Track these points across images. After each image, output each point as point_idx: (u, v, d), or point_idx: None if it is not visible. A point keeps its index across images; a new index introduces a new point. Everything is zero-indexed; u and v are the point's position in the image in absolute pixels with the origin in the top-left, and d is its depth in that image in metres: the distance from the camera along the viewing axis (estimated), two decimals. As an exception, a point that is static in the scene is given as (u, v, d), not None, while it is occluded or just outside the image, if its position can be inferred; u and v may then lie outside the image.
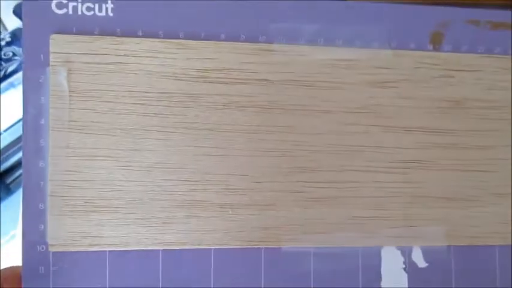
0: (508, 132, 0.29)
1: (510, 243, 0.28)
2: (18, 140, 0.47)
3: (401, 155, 0.28)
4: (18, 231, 0.46)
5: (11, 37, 0.49)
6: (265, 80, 0.26)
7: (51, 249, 0.25)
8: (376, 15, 0.28)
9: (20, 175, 0.44)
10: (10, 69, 0.48)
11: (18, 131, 0.46)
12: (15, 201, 0.48)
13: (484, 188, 0.28)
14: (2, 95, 0.46)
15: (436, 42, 0.28)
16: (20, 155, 0.47)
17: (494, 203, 0.28)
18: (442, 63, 0.28)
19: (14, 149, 0.47)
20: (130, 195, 0.25)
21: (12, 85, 0.48)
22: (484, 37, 0.29)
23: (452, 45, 0.28)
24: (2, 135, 0.46)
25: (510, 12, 0.29)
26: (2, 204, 0.47)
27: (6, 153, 0.47)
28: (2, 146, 0.46)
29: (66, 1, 0.25)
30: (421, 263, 0.28)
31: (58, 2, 0.25)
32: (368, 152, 0.27)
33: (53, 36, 0.25)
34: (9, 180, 0.49)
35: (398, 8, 0.29)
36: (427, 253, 0.28)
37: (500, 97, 0.28)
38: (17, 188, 0.49)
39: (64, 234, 0.25)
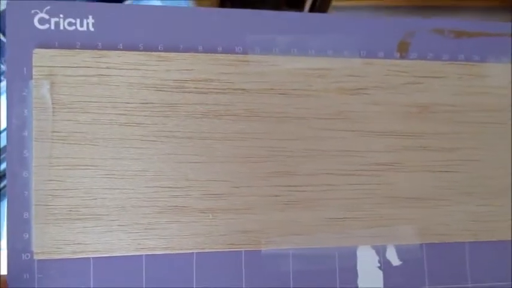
0: (474, 135, 0.30)
1: (479, 239, 0.30)
2: (4, 149, 0.47)
3: (373, 158, 0.29)
4: (4, 241, 0.46)
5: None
6: (242, 89, 0.28)
7: (36, 257, 0.26)
8: (347, 27, 0.30)
9: (5, 186, 0.44)
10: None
11: (4, 140, 0.46)
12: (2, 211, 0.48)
13: (452, 188, 0.30)
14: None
15: (403, 50, 0.30)
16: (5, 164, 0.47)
17: (463, 201, 0.30)
18: (409, 70, 0.29)
19: (3, 156, 0.47)
20: (113, 203, 0.26)
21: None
22: (448, 45, 0.30)
23: (418, 54, 0.30)
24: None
25: (471, 22, 0.31)
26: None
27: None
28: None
29: (48, 17, 0.26)
30: (395, 261, 0.29)
31: (40, 18, 0.26)
32: (341, 156, 0.29)
33: (36, 50, 0.26)
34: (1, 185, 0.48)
35: (367, 19, 0.30)
36: (400, 251, 0.29)
37: (465, 102, 0.30)
38: (3, 198, 0.48)
39: (48, 242, 0.26)
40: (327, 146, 0.28)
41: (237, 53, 0.28)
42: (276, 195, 0.28)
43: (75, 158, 0.26)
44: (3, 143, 0.46)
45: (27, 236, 0.26)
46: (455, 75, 0.30)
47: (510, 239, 0.30)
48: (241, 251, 0.28)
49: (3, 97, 0.45)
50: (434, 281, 0.29)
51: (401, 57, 0.30)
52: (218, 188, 0.27)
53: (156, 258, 0.27)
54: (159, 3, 0.42)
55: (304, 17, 0.29)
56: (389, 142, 0.29)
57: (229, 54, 0.28)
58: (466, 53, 0.31)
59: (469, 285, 0.30)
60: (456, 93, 0.30)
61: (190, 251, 0.27)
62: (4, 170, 0.47)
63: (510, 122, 0.30)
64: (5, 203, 0.47)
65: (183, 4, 0.35)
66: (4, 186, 0.48)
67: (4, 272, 0.26)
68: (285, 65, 0.28)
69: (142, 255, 0.27)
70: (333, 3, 0.65)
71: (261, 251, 0.28)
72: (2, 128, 0.47)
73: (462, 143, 0.30)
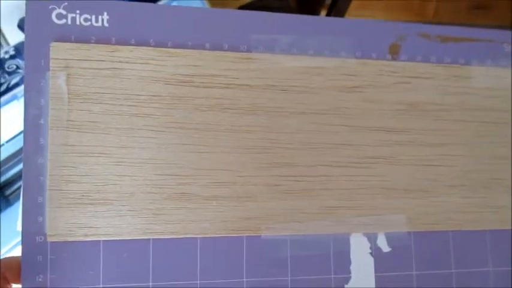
0: (459, 131, 0.33)
1: (463, 229, 0.32)
2: (18, 152, 0.47)
3: (367, 152, 0.31)
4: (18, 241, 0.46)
5: (14, 51, 0.50)
6: (246, 85, 0.30)
7: (50, 239, 0.27)
8: (343, 29, 0.32)
9: (19, 188, 0.45)
10: (13, 81, 0.49)
11: (19, 143, 0.47)
12: (15, 212, 0.48)
13: (439, 180, 0.32)
14: (6, 107, 0.47)
15: (394, 52, 0.32)
16: (19, 167, 0.47)
17: (448, 193, 0.32)
18: (400, 71, 0.32)
19: (14, 161, 0.47)
20: (123, 189, 0.28)
21: (15, 97, 0.48)
22: (435, 49, 0.33)
23: (408, 56, 0.32)
24: (2, 147, 0.46)
25: (455, 28, 0.33)
26: (1, 216, 0.47)
27: (6, 165, 0.47)
28: (2, 158, 0.46)
29: (65, 12, 0.28)
30: (385, 248, 0.31)
31: (58, 13, 0.28)
32: (337, 149, 0.31)
33: (53, 44, 0.27)
34: (8, 192, 0.49)
35: (362, 22, 0.32)
36: (390, 239, 0.31)
37: (450, 101, 0.33)
38: (16, 200, 0.49)
39: (61, 225, 0.27)
40: (324, 140, 0.30)
41: (242, 51, 0.30)
42: (276, 185, 0.30)
43: (88, 146, 0.28)
44: (3, 155, 0.47)
45: (41, 219, 0.27)
46: (442, 76, 0.32)
47: (491, 228, 0.32)
48: (243, 236, 0.29)
49: (7, 108, 0.47)
50: (421, 266, 0.31)
51: (393, 59, 0.32)
52: (222, 177, 0.29)
53: (162, 242, 0.28)
54: (174, 3, 0.44)
55: (304, 19, 0.31)
56: (381, 137, 0.31)
57: (234, 52, 0.30)
58: (451, 56, 0.33)
59: (453, 271, 0.32)
60: (443, 93, 0.32)
61: (195, 236, 0.29)
62: (5, 181, 0.48)
63: (488, 121, 0.33)
64: (11, 208, 0.48)
65: (198, 5, 0.37)
66: (7, 195, 0.49)
67: (18, 253, 0.27)
68: (286, 63, 0.30)
69: (150, 239, 0.28)
70: (347, 16, 0.67)
71: (261, 236, 0.30)
72: (2, 142, 0.47)
73: (448, 139, 0.32)
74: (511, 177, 0.33)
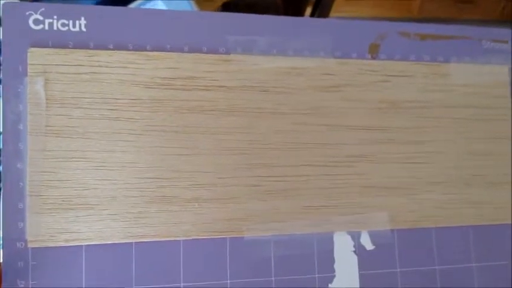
0: (439, 129, 0.33)
1: (445, 225, 0.32)
2: None
3: (347, 151, 0.31)
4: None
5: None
6: (225, 86, 0.30)
7: (30, 245, 0.27)
8: (322, 29, 0.32)
9: None
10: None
11: None
12: None
13: (420, 178, 0.32)
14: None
15: (373, 52, 0.32)
16: None
17: (430, 190, 0.32)
18: (379, 69, 0.32)
19: None
20: (104, 193, 0.28)
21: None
22: (414, 47, 0.33)
23: (387, 54, 0.33)
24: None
25: (434, 26, 0.33)
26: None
27: None
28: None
29: (42, 18, 0.28)
30: (369, 246, 0.31)
31: (35, 19, 0.28)
32: (318, 149, 0.31)
33: (31, 49, 0.27)
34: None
35: (341, 22, 0.33)
36: (373, 237, 0.32)
37: (429, 98, 0.33)
38: None
39: (42, 230, 0.27)
40: (305, 139, 0.31)
41: (220, 53, 0.30)
42: (258, 185, 0.30)
43: (68, 151, 0.28)
44: None
45: (21, 225, 0.27)
46: (420, 74, 0.33)
47: (472, 224, 0.33)
48: (226, 237, 0.29)
49: None
50: (405, 263, 0.32)
51: (372, 58, 0.32)
52: (203, 179, 0.29)
53: (145, 245, 0.28)
54: (159, 3, 0.43)
55: (282, 20, 0.31)
56: (362, 135, 0.31)
57: (213, 54, 0.30)
58: (430, 54, 0.33)
59: (436, 267, 0.32)
60: (422, 90, 0.33)
61: (178, 239, 0.29)
62: None
63: (467, 117, 0.33)
64: None
65: (186, 6, 0.37)
66: None
67: (-1, 259, 0.27)
68: (265, 64, 0.30)
69: (132, 242, 0.28)
70: (331, 14, 0.67)
71: (243, 237, 0.30)
72: None
73: (428, 136, 0.33)
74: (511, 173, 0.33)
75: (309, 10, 0.65)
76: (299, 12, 0.65)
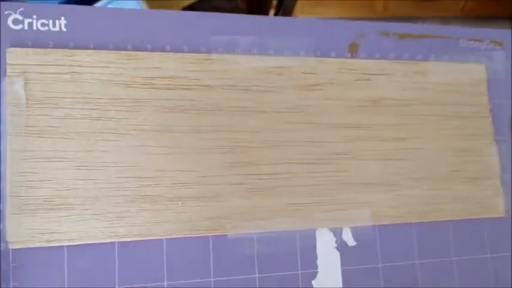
0: (419, 126, 0.33)
1: (425, 220, 0.33)
2: None
3: (329, 148, 0.32)
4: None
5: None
6: (207, 85, 0.30)
7: (11, 246, 0.27)
8: (302, 28, 0.32)
9: None
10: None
11: None
12: None
13: (400, 174, 0.33)
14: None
15: (353, 51, 0.33)
16: None
17: (410, 186, 0.33)
18: (359, 68, 0.33)
19: None
20: (86, 193, 0.28)
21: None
22: (394, 46, 0.34)
23: (367, 53, 0.33)
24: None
25: (413, 25, 0.34)
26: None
27: None
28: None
29: (21, 18, 0.28)
30: (351, 242, 0.32)
31: (14, 19, 0.28)
32: (300, 147, 0.31)
33: (9, 49, 0.27)
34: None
35: (321, 22, 0.33)
36: (355, 233, 0.32)
37: (409, 96, 0.33)
38: None
39: (23, 231, 0.27)
40: (287, 138, 0.31)
41: (202, 52, 0.30)
42: (240, 183, 0.30)
43: (49, 151, 0.27)
44: None
45: (1, 226, 0.27)
46: (400, 72, 0.33)
47: (452, 219, 0.33)
48: (209, 236, 0.30)
49: None
50: (386, 259, 0.32)
51: (352, 57, 0.33)
52: (186, 178, 0.29)
53: (128, 245, 0.28)
54: (110, 5, 0.43)
55: (263, 20, 0.32)
56: (343, 133, 0.32)
57: (194, 53, 0.30)
58: (410, 53, 0.34)
59: (417, 262, 0.32)
60: (402, 88, 0.33)
61: (160, 237, 0.29)
62: None
63: (447, 114, 0.34)
64: None
65: (134, 5, 0.37)
66: None
67: (-21, 261, 0.27)
68: (247, 63, 0.31)
69: (115, 242, 0.28)
70: (296, 16, 0.68)
71: (226, 235, 0.30)
72: None
73: (408, 133, 0.33)
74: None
75: (272, 12, 0.66)
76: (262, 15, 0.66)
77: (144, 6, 0.34)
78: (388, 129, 0.33)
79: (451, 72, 0.34)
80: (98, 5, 0.39)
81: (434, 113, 0.34)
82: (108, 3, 0.37)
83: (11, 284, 0.27)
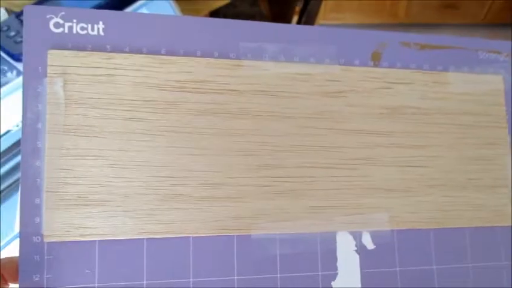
0: (438, 134, 0.34)
1: (443, 226, 0.34)
2: (4, 153, 0.47)
3: (351, 154, 0.33)
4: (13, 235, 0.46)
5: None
6: (236, 90, 0.31)
7: (46, 239, 0.28)
8: (327, 37, 0.34)
9: (14, 182, 0.46)
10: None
11: (4, 144, 0.47)
12: (12, 205, 0.48)
13: (419, 181, 0.34)
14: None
15: (376, 59, 0.34)
16: (13, 162, 0.47)
17: (428, 193, 0.34)
18: (381, 77, 0.34)
19: (9, 155, 0.47)
20: (118, 190, 0.29)
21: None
22: (414, 56, 0.35)
23: (388, 62, 0.34)
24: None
25: (433, 36, 0.35)
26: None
27: (5, 157, 0.47)
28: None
29: (62, 21, 0.29)
30: (370, 245, 0.33)
31: (55, 22, 0.29)
32: (323, 151, 0.32)
33: (51, 51, 0.28)
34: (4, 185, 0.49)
35: (345, 31, 0.34)
36: (374, 237, 0.33)
37: (429, 105, 0.34)
38: (11, 194, 0.48)
39: (58, 226, 0.28)
40: (311, 142, 0.32)
41: (231, 58, 0.31)
42: (266, 186, 0.31)
43: (84, 149, 0.29)
44: (3, 147, 0.47)
45: (38, 220, 0.28)
46: (420, 82, 0.34)
47: (469, 226, 0.34)
48: (233, 235, 0.31)
49: (3, 101, 0.47)
50: (404, 263, 0.33)
51: (375, 65, 0.34)
52: (213, 178, 0.30)
53: (156, 241, 0.30)
54: (145, 11, 0.45)
55: (290, 28, 0.33)
56: (364, 139, 0.33)
57: (224, 59, 0.31)
58: (430, 63, 0.35)
59: (434, 267, 0.33)
60: (422, 97, 0.34)
61: (188, 235, 0.30)
62: (4, 173, 0.48)
63: (465, 124, 0.35)
64: (5, 206, 0.48)
65: (166, 6, 0.38)
66: (3, 190, 0.49)
67: (15, 251, 0.28)
68: (274, 69, 0.32)
69: (144, 238, 0.29)
70: (318, 21, 0.68)
71: (251, 235, 0.31)
72: (2, 132, 0.48)
73: (427, 141, 0.34)
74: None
75: (295, 19, 0.67)
76: (285, 22, 0.67)
77: (175, 7, 0.36)
78: (407, 136, 0.34)
79: (469, 82, 0.35)
80: (132, 6, 0.40)
81: (452, 122, 0.35)
82: (143, 4, 0.38)
83: (45, 277, 0.28)
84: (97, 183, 0.28)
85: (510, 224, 0.35)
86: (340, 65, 0.33)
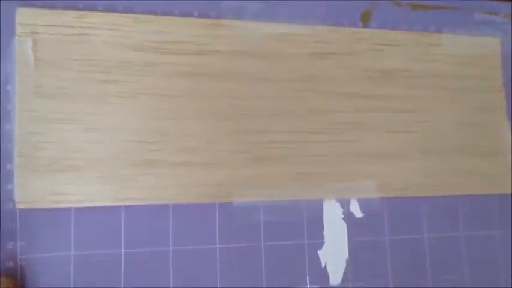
0: (429, 98, 0.33)
1: (435, 194, 0.33)
2: None
3: (339, 118, 0.31)
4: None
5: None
6: (215, 51, 0.30)
7: (19, 206, 0.27)
8: (314, -3, 0.32)
9: None
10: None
11: None
12: None
13: (411, 147, 0.32)
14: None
15: (365, 20, 0.32)
16: None
17: (419, 158, 0.32)
18: (371, 38, 0.32)
19: None
20: (92, 156, 0.28)
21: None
22: (406, 16, 0.33)
23: (379, 23, 0.32)
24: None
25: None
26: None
27: None
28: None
29: (30, -22, 0.27)
30: (358, 213, 0.32)
31: (23, -21, 0.27)
32: (310, 116, 0.31)
33: (19, 9, 0.27)
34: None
35: (333, -10, 0.33)
36: (362, 205, 0.32)
37: (421, 68, 0.33)
38: None
39: (31, 192, 0.27)
40: (296, 106, 0.31)
41: (212, 18, 0.30)
42: (248, 151, 0.30)
43: (56, 113, 0.27)
44: None
45: (10, 186, 0.27)
46: (412, 43, 0.33)
47: (462, 193, 0.33)
48: (215, 202, 0.29)
49: None
50: (394, 232, 0.32)
51: (364, 26, 0.32)
52: (191, 143, 0.29)
53: (134, 209, 0.28)
54: None
55: (274, -14, 0.31)
56: (353, 103, 0.31)
57: (204, 19, 0.30)
58: (422, 24, 0.33)
59: (425, 236, 0.32)
60: (413, 60, 0.33)
61: (166, 202, 0.29)
62: None
63: (459, 87, 0.33)
64: None
65: None
66: None
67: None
68: (257, 29, 0.30)
69: (121, 206, 0.28)
70: None
71: (232, 203, 0.30)
72: None
73: (419, 105, 0.33)
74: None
75: None
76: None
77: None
78: (398, 100, 0.32)
79: (464, 44, 0.34)
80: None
81: (445, 86, 0.33)
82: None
83: (19, 243, 0.27)
84: (70, 148, 0.27)
85: (508, 192, 0.33)
86: (328, 25, 0.32)
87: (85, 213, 0.28)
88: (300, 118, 0.31)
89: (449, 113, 0.33)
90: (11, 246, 0.27)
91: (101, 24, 0.28)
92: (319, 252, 0.31)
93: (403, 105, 0.32)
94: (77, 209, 0.28)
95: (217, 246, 0.29)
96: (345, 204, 0.31)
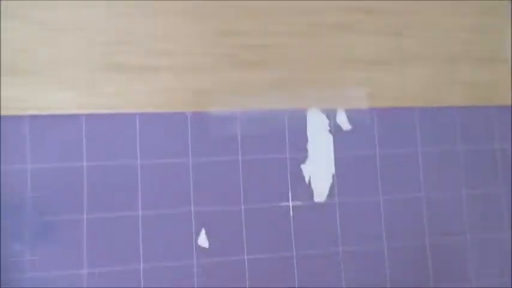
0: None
1: (430, 105, 0.30)
2: None
3: (326, 18, 0.28)
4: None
5: None
6: None
7: (-35, 112, 0.24)
8: None
9: None
10: None
11: None
12: None
13: (405, 52, 0.29)
14: None
15: None
16: None
17: (415, 66, 0.29)
18: None
19: None
20: (49, 58, 0.25)
21: None
22: None
23: None
24: None
25: None
26: None
27: None
28: None
29: None
30: (346, 126, 0.29)
31: None
32: (293, 15, 0.28)
33: None
34: None
35: None
36: (351, 116, 0.29)
37: (418, -37, 0.29)
38: None
39: (-21, 97, 0.24)
40: (278, 5, 0.27)
41: None
42: (224, 55, 0.27)
43: (10, 9, 0.24)
44: None
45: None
46: None
47: (459, 105, 0.30)
48: (187, 113, 0.27)
49: None
50: (384, 145, 0.29)
51: None
52: (162, 45, 0.26)
53: (96, 119, 0.26)
54: None
55: None
56: (342, 3, 0.28)
57: None
58: None
59: (418, 149, 0.30)
60: (409, -47, 0.29)
61: (133, 112, 0.26)
62: None
63: None
64: None
65: None
66: None
67: None
68: None
69: (83, 115, 0.26)
70: None
71: (207, 112, 0.27)
72: None
73: (414, 7, 0.29)
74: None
75: None
76: None
77: None
78: (392, 1, 0.29)
79: None
80: None
81: (445, -14, 0.30)
82: None
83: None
84: (26, 49, 0.24)
85: (505, 104, 0.30)
86: None
87: (42, 122, 0.25)
88: (282, 19, 0.27)
89: (448, 16, 0.29)
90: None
91: None
92: (302, 166, 0.28)
93: (397, 6, 0.29)
94: (32, 117, 0.25)
95: (190, 159, 0.27)
96: (331, 115, 0.29)
